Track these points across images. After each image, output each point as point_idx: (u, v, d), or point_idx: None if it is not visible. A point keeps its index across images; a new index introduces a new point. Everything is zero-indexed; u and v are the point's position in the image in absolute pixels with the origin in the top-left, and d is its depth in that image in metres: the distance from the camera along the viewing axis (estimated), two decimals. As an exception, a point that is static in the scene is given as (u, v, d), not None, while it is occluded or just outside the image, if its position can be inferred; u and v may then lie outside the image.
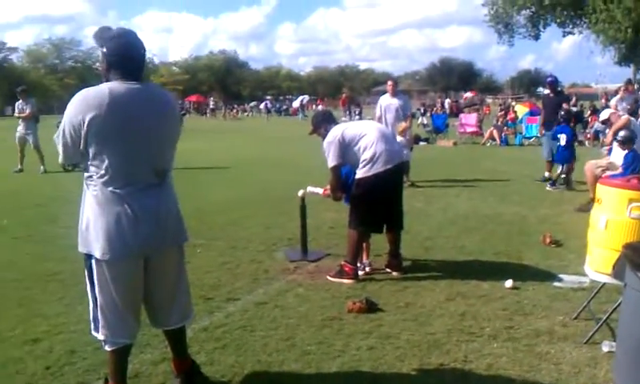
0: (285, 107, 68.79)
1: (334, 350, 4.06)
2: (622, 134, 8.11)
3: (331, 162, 5.62)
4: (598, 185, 4.46)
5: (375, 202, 5.48)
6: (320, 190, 6.24)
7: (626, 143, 7.94)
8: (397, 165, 5.53)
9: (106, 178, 2.99)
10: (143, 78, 3.14)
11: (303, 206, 6.44)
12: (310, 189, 6.42)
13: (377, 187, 5.43)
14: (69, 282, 5.41)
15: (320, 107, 63.21)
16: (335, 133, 5.61)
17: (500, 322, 4.52)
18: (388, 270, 5.77)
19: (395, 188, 5.68)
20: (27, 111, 14.61)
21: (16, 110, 15.01)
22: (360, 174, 5.49)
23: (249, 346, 4.14)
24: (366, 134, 5.52)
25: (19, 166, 14.52)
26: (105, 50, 3.10)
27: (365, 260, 5.88)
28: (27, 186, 12.42)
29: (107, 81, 3.05)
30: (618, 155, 8.35)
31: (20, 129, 14.68)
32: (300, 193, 6.45)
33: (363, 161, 5.45)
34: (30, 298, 5.17)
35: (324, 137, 5.76)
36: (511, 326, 4.45)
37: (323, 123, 5.94)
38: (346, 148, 5.54)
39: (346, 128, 5.72)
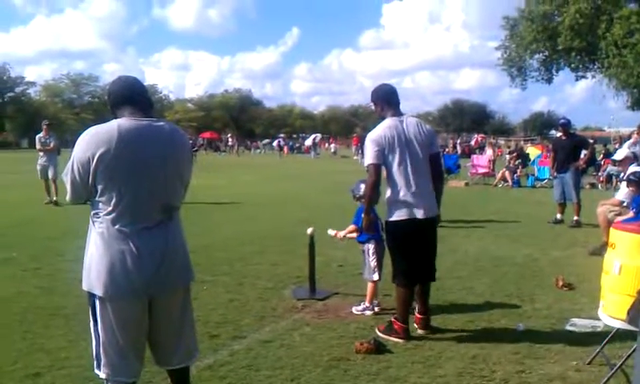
0: (297, 145, 69.15)
1: (340, 392, 3.97)
2: (633, 170, 8.01)
3: (368, 160, 5.06)
4: (612, 229, 4.37)
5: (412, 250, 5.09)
6: (333, 232, 6.15)
7: (637, 184, 7.81)
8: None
9: (113, 215, 2.96)
10: (154, 115, 3.14)
11: (312, 243, 6.37)
12: (328, 231, 6.29)
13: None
14: (73, 317, 5.36)
15: (333, 146, 63.79)
16: (381, 133, 5.01)
17: (511, 366, 4.42)
18: (416, 326, 5.22)
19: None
20: (52, 144, 14.91)
21: (37, 143, 15.15)
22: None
23: (253, 386, 4.06)
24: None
25: (48, 198, 14.63)
26: (108, 94, 3.21)
27: (373, 300, 5.79)
28: (40, 218, 12.45)
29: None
30: (624, 193, 8.28)
31: (42, 161, 14.80)
32: (309, 231, 6.40)
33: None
34: (33, 332, 5.11)
35: (378, 115, 5.24)
36: (523, 370, 4.35)
37: (384, 102, 5.21)
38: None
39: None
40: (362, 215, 5.34)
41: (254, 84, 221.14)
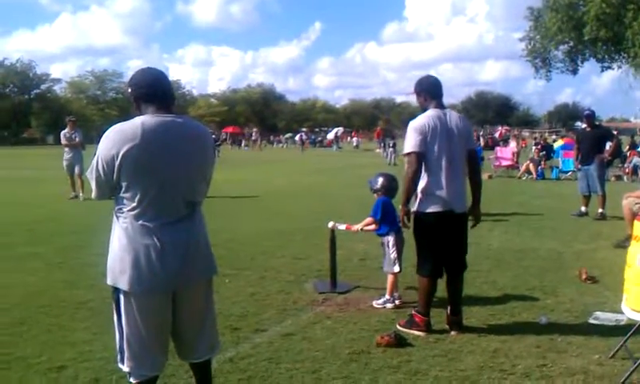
0: (320, 139, 69.19)
1: (360, 385, 3.98)
2: None
3: (408, 148, 4.95)
4: (636, 222, 4.31)
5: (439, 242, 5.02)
6: (343, 226, 6.18)
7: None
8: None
9: (137, 210, 2.99)
10: (177, 110, 3.17)
11: (333, 237, 6.38)
12: (337, 225, 6.33)
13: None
14: (97, 310, 5.43)
15: (355, 139, 63.74)
16: (424, 121, 4.95)
17: (533, 360, 4.39)
18: (447, 327, 5.11)
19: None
20: (77, 139, 15.08)
21: (62, 139, 15.28)
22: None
23: (274, 379, 4.09)
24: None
25: (73, 193, 14.81)
26: (130, 88, 3.20)
27: (394, 293, 5.78)
28: (65, 213, 12.63)
29: (140, 115, 3.08)
30: None
31: (68, 157, 14.96)
32: (330, 224, 6.41)
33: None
34: (58, 325, 5.19)
35: (420, 105, 5.19)
36: (545, 364, 4.32)
37: (428, 93, 5.16)
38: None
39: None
40: (400, 207, 5.12)
41: (277, 78, 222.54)
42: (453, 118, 5.04)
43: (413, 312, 5.13)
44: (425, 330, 4.99)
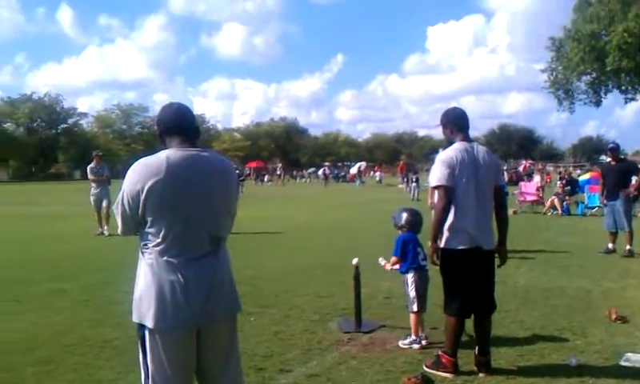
0: (342, 174, 69.33)
1: (387, 429, 3.93)
2: None
3: (437, 181, 4.89)
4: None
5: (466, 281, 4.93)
6: (382, 262, 6.12)
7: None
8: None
9: (161, 246, 2.99)
10: (201, 144, 3.19)
11: (357, 275, 6.33)
12: (380, 260, 6.23)
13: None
14: (122, 348, 5.44)
15: (378, 174, 63.73)
16: (452, 154, 4.89)
17: (563, 404, 4.30)
18: (475, 368, 4.99)
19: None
20: (104, 174, 15.21)
21: (89, 173, 15.38)
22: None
23: (300, 422, 4.05)
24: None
25: (100, 229, 14.86)
26: (156, 125, 3.25)
27: (420, 333, 5.72)
28: (91, 249, 12.73)
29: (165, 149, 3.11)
30: None
31: (95, 192, 15.06)
32: (354, 261, 6.38)
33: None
34: (84, 364, 5.21)
35: (446, 138, 5.15)
36: (576, 408, 4.22)
37: (455, 126, 5.12)
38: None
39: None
40: (429, 243, 5.03)
41: (300, 112, 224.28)
42: (480, 151, 5.00)
43: (440, 352, 5.04)
44: (452, 371, 4.90)
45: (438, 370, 4.92)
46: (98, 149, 21.87)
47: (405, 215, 5.96)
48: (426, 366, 5.01)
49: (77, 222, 18.01)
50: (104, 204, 14.81)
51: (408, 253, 5.74)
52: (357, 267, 6.35)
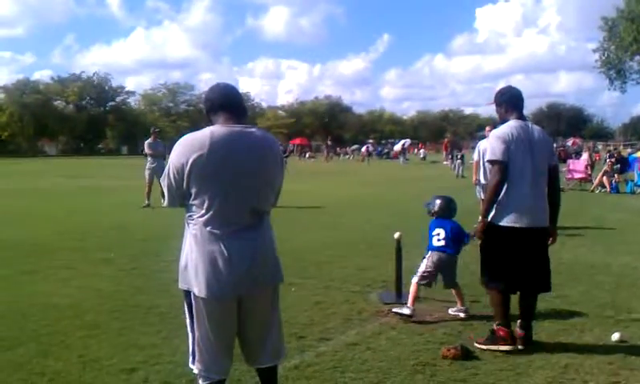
0: (386, 151, 68.92)
1: (425, 397, 3.95)
2: None
3: (492, 155, 4.79)
4: None
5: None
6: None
7: None
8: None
9: (205, 217, 3.07)
10: (247, 121, 3.25)
11: (399, 247, 6.35)
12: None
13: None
14: (166, 315, 5.57)
15: (422, 151, 63.24)
16: (509, 131, 4.82)
17: (605, 377, 4.26)
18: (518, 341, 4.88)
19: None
20: (160, 149, 15.67)
21: (147, 148, 15.86)
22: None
23: (338, 387, 4.09)
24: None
25: (146, 202, 15.21)
26: (204, 101, 3.34)
27: (461, 306, 5.71)
28: (138, 220, 13.01)
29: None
30: None
31: (151, 166, 15.40)
32: (396, 235, 6.39)
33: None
34: (129, 329, 5.35)
35: (500, 116, 5.08)
36: (618, 381, 4.19)
37: (510, 105, 5.04)
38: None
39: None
40: (479, 219, 4.94)
41: (344, 91, 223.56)
42: (536, 130, 4.92)
43: (494, 327, 4.88)
44: (512, 343, 4.75)
45: (496, 345, 4.77)
46: (146, 126, 22.19)
47: (438, 202, 5.94)
48: (479, 343, 4.86)
49: (124, 195, 18.41)
50: (159, 177, 15.09)
51: (430, 237, 5.79)
52: (399, 240, 6.37)
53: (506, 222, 4.76)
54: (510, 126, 4.85)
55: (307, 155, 64.52)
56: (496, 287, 4.91)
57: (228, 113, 3.20)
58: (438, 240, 5.69)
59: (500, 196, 4.77)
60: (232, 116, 3.18)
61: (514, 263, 4.80)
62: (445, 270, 5.74)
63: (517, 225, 4.74)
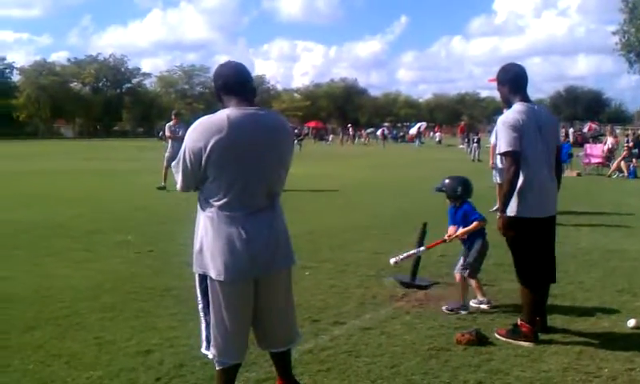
0: (402, 134, 68.69)
1: (439, 382, 3.95)
2: None
3: (505, 146, 4.56)
4: None
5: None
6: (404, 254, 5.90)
7: None
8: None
9: (222, 201, 3.08)
10: (259, 103, 3.24)
11: (424, 231, 6.17)
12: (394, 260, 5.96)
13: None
14: (182, 297, 5.60)
15: (437, 135, 62.93)
16: (518, 117, 4.60)
17: (620, 364, 4.23)
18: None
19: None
20: (180, 133, 15.53)
21: (167, 131, 15.97)
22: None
23: (352, 371, 4.11)
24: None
25: (162, 183, 15.26)
26: (213, 81, 3.33)
27: (481, 297, 5.62)
28: (154, 203, 13.07)
29: (224, 108, 3.17)
30: None
31: (171, 150, 15.31)
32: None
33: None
34: (145, 311, 5.39)
35: (502, 96, 4.91)
36: (633, 368, 4.16)
37: (514, 84, 4.82)
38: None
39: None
40: (497, 216, 4.75)
41: (360, 73, 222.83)
42: (543, 112, 4.79)
43: (519, 321, 4.75)
44: (533, 339, 4.64)
45: (517, 340, 4.64)
46: (162, 108, 22.24)
47: (447, 181, 5.67)
48: (500, 335, 4.76)
49: (140, 177, 18.52)
50: None
51: (474, 220, 5.51)
52: (424, 224, 6.19)
53: (529, 213, 4.60)
54: (519, 111, 4.63)
55: (330, 138, 64.32)
56: (532, 286, 4.74)
57: (241, 95, 3.18)
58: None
59: (518, 187, 4.58)
60: (244, 98, 3.18)
61: (542, 255, 4.70)
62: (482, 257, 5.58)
63: (539, 215, 4.62)
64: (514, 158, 4.52)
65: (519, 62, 4.96)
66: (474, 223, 5.47)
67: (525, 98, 4.76)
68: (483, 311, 5.41)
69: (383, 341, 4.69)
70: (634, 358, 4.32)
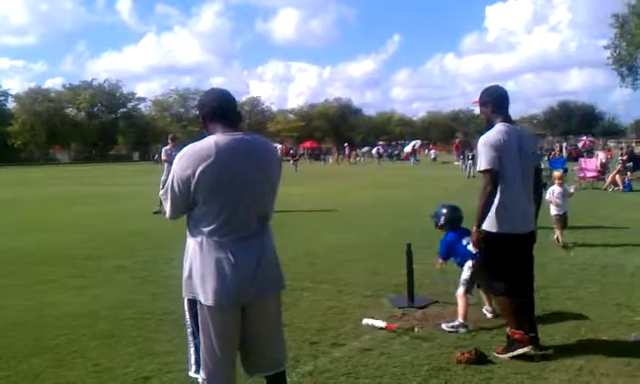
0: (396, 152, 68.86)
1: (440, 402, 3.94)
2: None
3: (485, 165, 4.68)
4: None
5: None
6: (382, 323, 5.64)
7: None
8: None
9: (212, 226, 3.07)
10: (252, 125, 3.25)
11: (409, 251, 6.32)
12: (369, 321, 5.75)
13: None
14: (180, 322, 5.47)
15: (432, 152, 63.14)
16: (499, 137, 4.71)
17: (622, 379, 4.24)
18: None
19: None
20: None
21: (163, 154, 15.82)
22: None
23: (352, 393, 4.09)
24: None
25: (158, 207, 15.06)
26: (198, 108, 3.36)
27: (487, 306, 5.66)
28: (149, 228, 13.02)
29: (209, 135, 3.17)
30: None
31: (167, 172, 15.34)
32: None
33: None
34: (143, 337, 5.37)
35: (485, 116, 5.00)
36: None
37: (496, 105, 4.93)
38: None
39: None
40: (473, 230, 4.86)
41: (354, 92, 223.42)
42: (524, 134, 4.90)
43: (509, 332, 4.80)
44: (529, 342, 4.66)
45: (514, 350, 4.67)
46: (157, 131, 22.29)
47: (445, 211, 5.93)
48: (499, 353, 4.75)
49: (135, 201, 18.49)
50: None
51: (459, 249, 5.66)
52: (409, 245, 6.34)
53: (502, 229, 4.71)
54: (500, 131, 4.75)
55: (330, 160, 64.26)
56: (502, 291, 4.83)
57: (226, 120, 3.19)
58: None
59: (495, 205, 4.70)
60: (230, 124, 3.18)
61: (514, 267, 4.77)
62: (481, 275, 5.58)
63: (512, 232, 4.72)
64: (492, 176, 4.64)
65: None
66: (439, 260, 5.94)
67: (507, 119, 4.87)
68: (482, 328, 5.40)
69: (383, 362, 4.67)
70: (635, 373, 4.31)
